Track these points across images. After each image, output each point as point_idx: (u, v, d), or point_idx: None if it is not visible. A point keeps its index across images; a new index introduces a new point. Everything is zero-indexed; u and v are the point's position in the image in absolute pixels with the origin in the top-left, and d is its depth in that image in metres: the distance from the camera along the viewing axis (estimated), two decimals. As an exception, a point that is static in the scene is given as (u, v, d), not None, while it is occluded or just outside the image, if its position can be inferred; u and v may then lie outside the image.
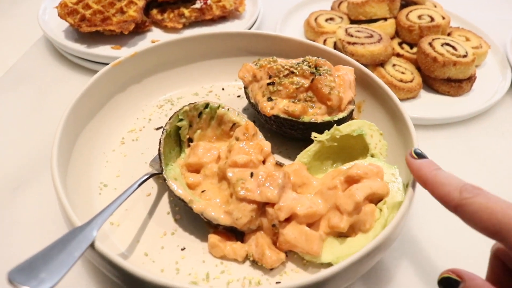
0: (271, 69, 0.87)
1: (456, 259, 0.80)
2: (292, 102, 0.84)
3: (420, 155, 0.68)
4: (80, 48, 1.11)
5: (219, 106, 0.83)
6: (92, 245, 0.62)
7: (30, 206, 0.85)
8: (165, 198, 0.81)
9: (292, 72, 0.86)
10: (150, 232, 0.77)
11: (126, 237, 0.76)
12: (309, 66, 0.86)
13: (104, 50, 1.12)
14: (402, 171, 0.78)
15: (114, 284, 0.74)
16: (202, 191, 0.77)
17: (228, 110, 0.83)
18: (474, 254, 0.77)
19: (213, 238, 0.73)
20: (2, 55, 1.21)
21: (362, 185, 0.72)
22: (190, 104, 0.82)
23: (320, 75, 0.84)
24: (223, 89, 1.03)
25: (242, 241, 0.74)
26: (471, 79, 1.07)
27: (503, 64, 1.18)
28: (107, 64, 0.93)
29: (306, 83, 0.85)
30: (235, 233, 0.75)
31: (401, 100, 1.05)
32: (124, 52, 1.13)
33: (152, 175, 0.79)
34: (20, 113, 1.05)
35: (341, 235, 0.72)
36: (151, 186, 0.83)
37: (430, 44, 1.07)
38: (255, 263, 0.72)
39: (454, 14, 1.32)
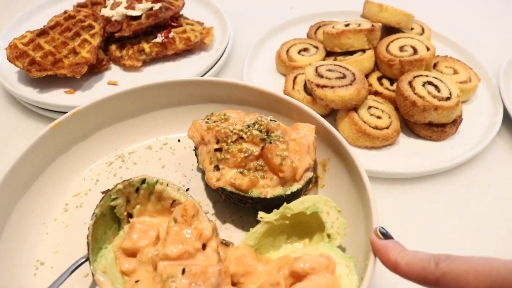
0: (219, 132, 0.78)
1: None
2: (240, 173, 0.75)
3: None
4: (31, 94, 1.03)
5: (157, 182, 0.75)
6: None
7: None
8: (102, 282, 0.75)
9: (241, 138, 0.77)
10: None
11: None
12: (260, 131, 0.77)
13: (57, 96, 1.04)
14: (360, 251, 0.69)
15: None
16: (136, 281, 0.70)
17: (167, 185, 0.75)
18: None
19: (145, 337, 0.66)
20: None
21: (308, 283, 0.64)
22: (124, 181, 0.75)
23: (270, 142, 0.75)
24: (179, 140, 0.95)
25: None
26: (455, 122, 0.96)
27: (494, 99, 1.05)
28: (63, 112, 0.86)
29: (256, 151, 0.76)
30: (172, 329, 0.68)
31: (376, 148, 0.96)
32: (78, 96, 1.05)
33: (86, 260, 0.72)
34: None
35: (285, 338, 0.65)
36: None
37: (410, 83, 0.96)
38: None
39: (445, 37, 1.20)
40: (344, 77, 0.97)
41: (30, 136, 0.82)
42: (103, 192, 0.86)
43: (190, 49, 1.15)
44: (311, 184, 0.85)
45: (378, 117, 0.96)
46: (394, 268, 0.59)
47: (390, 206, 0.90)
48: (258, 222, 0.73)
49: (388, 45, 1.05)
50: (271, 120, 0.79)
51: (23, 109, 1.10)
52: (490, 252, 0.82)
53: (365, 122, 0.94)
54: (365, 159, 0.93)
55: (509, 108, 1.01)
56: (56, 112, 1.02)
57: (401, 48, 1.04)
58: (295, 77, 1.05)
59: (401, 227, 0.87)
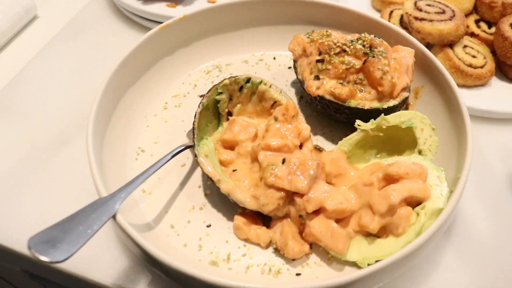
0: (322, 45, 0.81)
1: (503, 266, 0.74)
2: (340, 83, 0.78)
3: None
4: (135, 4, 1.09)
5: (261, 82, 0.79)
6: (114, 218, 0.63)
7: (70, 164, 0.87)
8: (198, 171, 0.81)
9: (344, 51, 0.79)
10: (179, 204, 0.77)
11: (155, 207, 0.76)
12: (363, 46, 0.79)
13: (159, 8, 1.09)
14: (451, 172, 0.71)
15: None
16: (234, 170, 0.75)
17: (270, 87, 0.79)
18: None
19: (238, 220, 0.72)
20: (63, 7, 1.22)
21: (401, 186, 0.66)
22: (231, 77, 0.79)
23: (373, 56, 0.77)
24: (274, 58, 0.99)
25: (268, 226, 0.72)
26: (554, 70, 0.95)
27: None
28: (161, 22, 0.91)
29: (358, 64, 0.78)
30: (262, 217, 0.73)
31: (468, 87, 0.96)
32: (178, 11, 1.09)
33: (186, 148, 0.78)
34: (74, 67, 1.06)
35: (371, 235, 0.68)
36: (187, 156, 0.82)
37: (511, 25, 0.95)
38: (277, 251, 0.70)
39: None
40: (443, 12, 0.96)
41: (129, 44, 0.86)
42: (201, 96, 0.91)
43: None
44: (402, 108, 0.87)
45: (473, 56, 0.96)
46: None
47: (476, 143, 0.90)
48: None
49: (491, -12, 1.04)
50: (375, 36, 0.81)
51: (125, 19, 1.16)
52: None
53: (459, 59, 0.94)
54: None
55: None
56: (156, 23, 1.07)
57: (505, -8, 1.02)
58: (391, 12, 1.05)
59: (486, 162, 0.87)
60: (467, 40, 0.99)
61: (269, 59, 0.98)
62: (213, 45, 0.97)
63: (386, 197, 0.65)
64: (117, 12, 1.19)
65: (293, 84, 0.94)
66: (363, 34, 0.81)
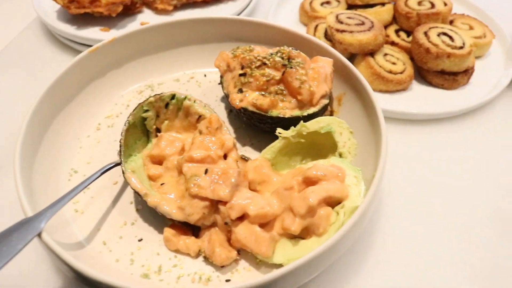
0: (244, 59, 0.85)
1: (427, 265, 0.78)
2: (262, 95, 0.82)
3: None
4: (69, 30, 1.11)
5: (185, 98, 0.82)
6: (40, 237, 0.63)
7: (4, 192, 0.87)
8: (130, 188, 0.81)
9: (264, 64, 0.83)
10: (111, 221, 0.78)
11: (87, 225, 0.77)
12: (282, 58, 0.83)
13: (93, 33, 1.12)
14: (369, 170, 0.75)
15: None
16: (162, 184, 0.77)
17: (194, 102, 0.82)
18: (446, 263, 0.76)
19: (167, 232, 0.73)
20: (-3, 35, 1.24)
21: (319, 187, 0.70)
22: (155, 95, 0.81)
23: (291, 67, 0.81)
24: (205, 75, 1.02)
25: (198, 236, 0.74)
26: (467, 72, 1.01)
27: (508, 56, 1.09)
28: None
29: (278, 75, 0.82)
30: (192, 227, 0.75)
31: (390, 92, 1.01)
32: (113, 34, 1.11)
33: (115, 165, 0.79)
34: (9, 94, 1.07)
35: (296, 237, 0.71)
36: (119, 174, 0.83)
37: (425, 33, 1.01)
38: (207, 259, 0.72)
39: (464, -2, 1.24)
40: (362, 24, 1.02)
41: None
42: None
43: (218, -2, 1.22)
44: (326, 115, 0.91)
45: (393, 63, 1.01)
46: None
47: (399, 145, 0.95)
48: None
49: (407, 0, 1.10)
50: (292, 49, 0.85)
51: (60, 45, 1.18)
52: (491, 193, 0.88)
53: (380, 66, 1.00)
54: (379, 100, 0.98)
55: (522, 64, 1.05)
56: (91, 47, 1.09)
57: (419, 3, 1.09)
58: (317, 26, 1.11)
59: (408, 165, 0.92)
60: (387, 49, 1.05)
61: (200, 76, 1.01)
62: (144, 65, 1.00)
63: (305, 199, 0.68)
64: (52, 39, 1.20)
65: (223, 99, 0.97)
66: (282, 47, 0.85)
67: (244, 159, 0.81)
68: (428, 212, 0.85)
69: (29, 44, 1.19)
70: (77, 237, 0.75)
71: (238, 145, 0.89)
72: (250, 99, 0.82)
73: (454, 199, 0.87)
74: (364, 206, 0.67)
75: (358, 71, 0.85)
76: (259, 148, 0.88)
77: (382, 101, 0.99)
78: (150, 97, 0.81)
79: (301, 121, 0.78)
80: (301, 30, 1.15)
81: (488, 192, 0.88)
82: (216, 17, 0.98)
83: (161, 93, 0.82)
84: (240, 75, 0.84)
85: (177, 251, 0.73)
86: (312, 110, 0.82)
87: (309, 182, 0.71)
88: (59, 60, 1.15)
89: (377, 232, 0.81)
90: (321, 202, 0.69)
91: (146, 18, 1.18)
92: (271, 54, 0.84)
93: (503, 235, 0.81)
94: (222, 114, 0.94)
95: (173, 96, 0.82)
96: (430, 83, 1.03)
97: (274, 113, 0.81)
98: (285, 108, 0.81)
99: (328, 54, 0.90)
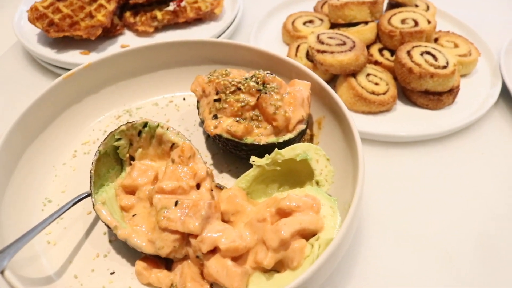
0: (219, 84, 0.83)
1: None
2: (237, 121, 0.80)
3: None
4: (49, 54, 1.10)
5: (158, 125, 0.80)
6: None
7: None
8: (102, 219, 0.80)
9: (239, 89, 0.81)
10: (84, 253, 0.76)
11: (59, 258, 0.75)
12: (257, 83, 0.81)
13: (72, 56, 1.10)
14: (348, 196, 0.73)
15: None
16: (134, 215, 0.75)
17: (167, 129, 0.80)
18: None
19: (139, 265, 0.71)
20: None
21: (292, 219, 0.67)
22: (127, 123, 0.80)
23: (266, 93, 0.79)
24: (184, 99, 1.00)
25: (170, 268, 0.72)
26: (452, 91, 0.99)
27: (495, 74, 1.07)
28: None
29: (252, 101, 0.80)
30: (165, 260, 0.72)
31: (373, 113, 0.99)
32: (93, 57, 1.10)
33: (87, 195, 0.78)
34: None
35: (270, 270, 0.69)
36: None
37: (408, 52, 0.99)
38: (179, 294, 0.70)
39: (449, 14, 1.22)
40: (344, 44, 1.00)
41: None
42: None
43: (200, 18, 1.20)
44: (306, 139, 0.89)
45: (376, 84, 0.99)
46: None
47: (383, 168, 0.93)
48: None
49: (390, 18, 1.09)
50: (267, 73, 0.83)
51: (41, 68, 1.17)
52: (478, 216, 0.85)
53: (362, 87, 0.98)
54: (361, 123, 0.96)
55: (508, 82, 1.02)
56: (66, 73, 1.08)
57: (403, 21, 1.07)
58: (298, 46, 1.09)
59: (392, 187, 0.90)
60: (370, 68, 1.03)
61: (179, 100, 1.00)
62: (122, 90, 0.98)
63: (277, 231, 0.66)
64: (33, 63, 1.19)
65: (201, 123, 0.95)
66: (257, 71, 0.83)
67: (220, 187, 0.79)
68: (410, 237, 0.82)
69: (10, 68, 1.18)
70: (47, 271, 0.73)
71: (215, 171, 0.87)
72: (224, 125, 0.80)
73: (438, 223, 0.84)
74: (339, 238, 0.64)
75: (336, 94, 0.83)
76: (237, 174, 0.86)
77: (364, 123, 0.97)
78: (121, 125, 0.79)
79: (276, 149, 0.75)
80: (283, 50, 1.15)
81: (473, 215, 0.86)
82: (194, 40, 0.97)
83: (133, 121, 0.80)
84: (215, 100, 0.82)
85: (149, 284, 0.71)
86: (288, 136, 0.80)
87: (282, 213, 0.69)
88: (40, 83, 1.13)
89: (357, 260, 0.79)
90: (294, 234, 0.67)
91: (127, 40, 1.16)
92: (246, 79, 0.82)
93: (487, 260, 0.79)
94: (200, 139, 0.92)
95: (145, 124, 0.80)
96: (414, 103, 1.01)
97: (249, 140, 0.79)
98: (261, 135, 0.79)
99: (306, 76, 0.88)
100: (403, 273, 0.78)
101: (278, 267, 0.68)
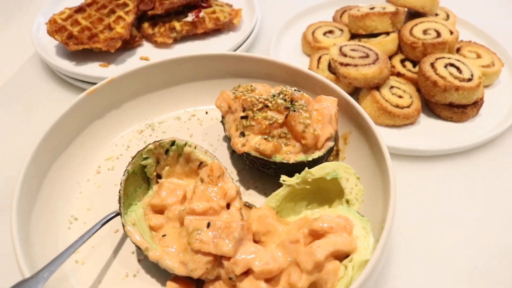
0: (245, 101, 0.82)
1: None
2: (265, 139, 0.79)
3: None
4: (68, 66, 1.09)
5: (185, 144, 0.79)
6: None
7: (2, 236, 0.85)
8: (131, 238, 0.79)
9: (267, 106, 0.80)
10: (112, 273, 0.76)
11: (88, 278, 0.75)
12: (285, 100, 0.81)
13: (92, 69, 1.10)
14: (378, 214, 0.72)
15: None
16: (163, 235, 0.75)
17: (195, 148, 0.79)
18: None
19: (170, 286, 0.71)
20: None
21: (325, 241, 0.67)
22: (155, 142, 0.79)
23: (294, 110, 0.78)
24: (206, 112, 0.99)
25: (201, 290, 0.72)
26: (476, 104, 0.98)
27: (518, 84, 1.06)
28: (95, 83, 0.91)
29: (280, 118, 0.79)
30: (196, 281, 0.72)
31: (398, 127, 0.98)
32: (112, 70, 1.10)
33: (116, 215, 0.77)
34: (7, 132, 1.05)
35: (303, 292, 0.68)
36: (120, 221, 0.81)
37: (432, 65, 0.98)
38: (211, 315, 0.69)
39: (470, 23, 1.21)
40: (367, 56, 0.99)
41: (65, 105, 0.87)
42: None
43: (218, 29, 1.20)
44: (332, 155, 0.88)
45: (400, 97, 0.99)
46: None
47: (408, 182, 0.92)
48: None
49: (411, 28, 1.08)
50: (295, 90, 0.82)
51: (60, 81, 1.16)
52: (502, 231, 0.84)
53: (386, 100, 0.97)
54: (386, 136, 0.95)
55: (532, 93, 1.02)
56: (90, 84, 1.07)
57: (425, 32, 1.07)
58: (320, 57, 1.08)
59: (418, 202, 0.89)
60: (393, 81, 1.02)
61: (201, 114, 0.99)
62: (144, 104, 0.98)
63: (311, 254, 0.65)
64: (51, 74, 1.18)
65: (225, 138, 0.94)
66: (284, 88, 0.83)
67: (248, 206, 0.78)
68: (438, 254, 0.82)
69: (28, 80, 1.17)
70: (76, 293, 0.73)
71: (242, 188, 0.86)
72: (252, 143, 0.79)
73: (465, 239, 0.84)
74: (374, 260, 0.64)
75: (363, 109, 0.83)
76: (264, 191, 0.85)
77: (389, 137, 0.96)
78: (149, 144, 0.79)
79: (306, 168, 0.75)
80: (303, 61, 1.14)
81: (501, 230, 0.85)
82: (216, 53, 0.96)
83: (161, 140, 0.79)
84: (242, 117, 0.81)
85: (180, 305, 0.71)
86: (317, 154, 0.79)
87: (315, 235, 0.68)
88: (59, 96, 1.13)
89: (387, 280, 0.79)
90: (328, 256, 0.66)
91: (146, 51, 1.16)
92: (273, 95, 0.82)
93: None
94: (225, 155, 0.92)
95: (173, 143, 0.79)
96: (438, 116, 1.00)
97: (278, 158, 0.78)
98: (289, 153, 0.79)
99: (332, 91, 0.88)
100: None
101: (311, 289, 0.68)
